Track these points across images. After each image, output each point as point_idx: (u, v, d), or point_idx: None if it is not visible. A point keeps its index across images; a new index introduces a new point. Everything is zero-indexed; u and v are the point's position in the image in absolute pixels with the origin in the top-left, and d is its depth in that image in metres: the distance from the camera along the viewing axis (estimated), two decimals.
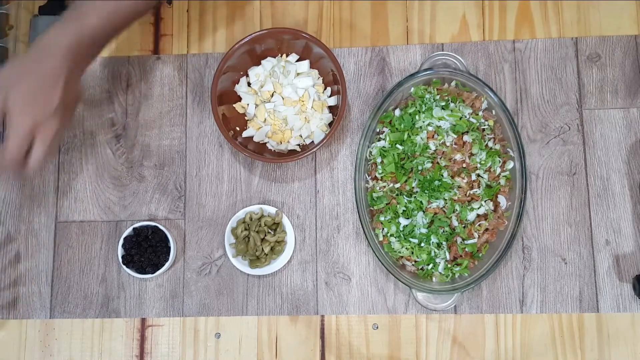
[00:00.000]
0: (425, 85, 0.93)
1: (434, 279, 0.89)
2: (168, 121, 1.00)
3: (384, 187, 0.90)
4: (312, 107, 0.94)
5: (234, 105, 0.96)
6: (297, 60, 0.96)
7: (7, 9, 1.04)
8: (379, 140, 0.92)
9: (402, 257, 0.90)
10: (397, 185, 0.90)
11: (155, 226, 0.94)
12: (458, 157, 0.90)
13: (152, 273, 0.92)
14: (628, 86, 0.95)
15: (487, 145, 0.91)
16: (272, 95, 0.96)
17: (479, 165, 0.90)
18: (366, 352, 0.92)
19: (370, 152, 0.92)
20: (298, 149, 0.95)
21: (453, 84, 0.93)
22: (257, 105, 0.96)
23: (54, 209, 0.98)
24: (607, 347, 0.89)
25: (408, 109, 0.92)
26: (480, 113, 0.92)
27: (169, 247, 0.93)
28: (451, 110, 0.91)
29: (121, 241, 0.93)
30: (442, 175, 0.89)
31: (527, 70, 0.97)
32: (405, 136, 0.91)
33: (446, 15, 0.99)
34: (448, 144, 0.90)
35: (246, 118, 0.97)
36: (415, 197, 0.89)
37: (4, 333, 0.96)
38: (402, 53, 0.99)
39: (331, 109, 0.96)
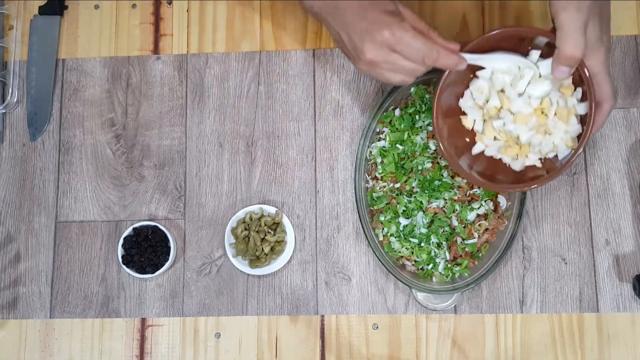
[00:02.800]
0: (425, 85, 0.93)
1: (434, 279, 0.89)
2: (168, 121, 1.00)
3: (384, 187, 0.90)
4: (555, 116, 0.77)
5: (460, 117, 0.83)
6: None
7: (7, 9, 1.04)
8: (379, 140, 0.92)
9: (402, 257, 0.90)
10: (397, 185, 0.90)
11: (155, 226, 0.94)
12: None
13: (152, 273, 0.92)
14: (628, 86, 0.95)
15: None
16: (499, 111, 0.80)
17: None
18: (366, 352, 0.92)
19: (370, 152, 0.92)
20: (539, 164, 0.80)
21: None
22: (484, 121, 0.81)
23: (54, 209, 0.98)
24: (607, 347, 0.89)
25: (408, 109, 0.92)
26: None
27: (169, 247, 0.93)
28: None
29: (121, 241, 0.94)
30: (442, 175, 0.89)
31: None
32: (405, 136, 0.91)
33: (446, 15, 0.99)
34: None
35: (475, 132, 0.84)
36: (415, 197, 0.89)
37: (4, 333, 0.96)
38: None
39: (582, 118, 0.76)
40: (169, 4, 1.03)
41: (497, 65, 0.77)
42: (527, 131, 0.78)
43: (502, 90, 0.79)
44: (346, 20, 0.72)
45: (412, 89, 0.92)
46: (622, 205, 0.93)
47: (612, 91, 0.73)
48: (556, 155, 0.78)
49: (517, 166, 0.81)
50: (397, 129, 0.91)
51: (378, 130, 0.93)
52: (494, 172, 0.82)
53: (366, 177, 0.92)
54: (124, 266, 0.93)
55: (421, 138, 0.90)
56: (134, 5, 1.03)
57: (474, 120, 0.82)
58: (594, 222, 0.93)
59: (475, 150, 0.83)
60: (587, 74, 0.72)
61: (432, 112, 0.81)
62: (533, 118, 0.77)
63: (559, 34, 0.70)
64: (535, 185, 0.77)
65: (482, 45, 0.77)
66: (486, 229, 0.89)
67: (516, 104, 0.77)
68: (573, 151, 0.75)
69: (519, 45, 0.77)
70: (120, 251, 0.93)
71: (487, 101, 0.80)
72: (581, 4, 0.69)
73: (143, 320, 0.95)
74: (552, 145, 0.78)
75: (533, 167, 0.80)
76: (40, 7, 1.03)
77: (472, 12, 0.99)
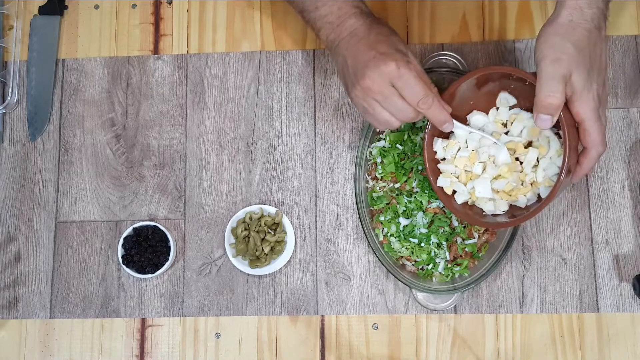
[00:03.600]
0: None
1: (434, 279, 0.89)
2: (168, 121, 1.00)
3: (384, 187, 0.90)
4: (533, 169, 0.79)
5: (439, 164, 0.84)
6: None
7: (7, 9, 1.04)
8: (379, 140, 0.92)
9: (402, 257, 0.90)
10: (397, 185, 0.90)
11: (155, 226, 0.94)
12: None
13: (152, 273, 0.92)
14: (628, 86, 0.95)
15: None
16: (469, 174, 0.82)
17: None
18: (366, 352, 0.92)
19: (370, 152, 0.92)
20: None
21: None
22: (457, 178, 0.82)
23: (54, 209, 0.98)
24: (607, 347, 0.89)
25: None
26: None
27: (169, 247, 0.93)
28: None
29: (121, 241, 0.94)
30: None
31: (528, 70, 0.97)
32: (405, 136, 0.91)
33: (446, 15, 0.99)
34: None
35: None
36: (415, 197, 0.89)
37: (4, 333, 0.96)
38: None
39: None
40: (169, 4, 1.03)
41: (471, 137, 0.80)
42: (500, 193, 0.79)
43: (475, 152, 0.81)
44: (358, 47, 0.75)
45: None
46: (622, 205, 0.93)
47: (601, 138, 0.73)
48: (538, 194, 0.79)
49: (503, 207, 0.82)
50: (397, 129, 0.91)
51: (378, 130, 0.93)
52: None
53: (366, 177, 0.92)
54: (124, 266, 0.93)
55: (421, 138, 0.90)
56: (134, 5, 1.03)
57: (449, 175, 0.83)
58: (594, 222, 0.93)
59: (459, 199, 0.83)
60: (563, 119, 0.72)
61: (423, 158, 0.82)
62: (514, 174, 0.79)
63: (537, 82, 0.71)
64: (514, 224, 0.80)
65: (461, 88, 0.80)
66: (486, 229, 0.89)
67: (484, 181, 0.79)
68: (547, 196, 0.75)
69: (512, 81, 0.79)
70: (120, 251, 0.93)
71: (455, 165, 0.81)
72: (561, 56, 0.70)
73: (143, 320, 0.95)
74: (526, 198, 0.79)
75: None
76: (40, 7, 1.03)
77: (472, 12, 0.99)
